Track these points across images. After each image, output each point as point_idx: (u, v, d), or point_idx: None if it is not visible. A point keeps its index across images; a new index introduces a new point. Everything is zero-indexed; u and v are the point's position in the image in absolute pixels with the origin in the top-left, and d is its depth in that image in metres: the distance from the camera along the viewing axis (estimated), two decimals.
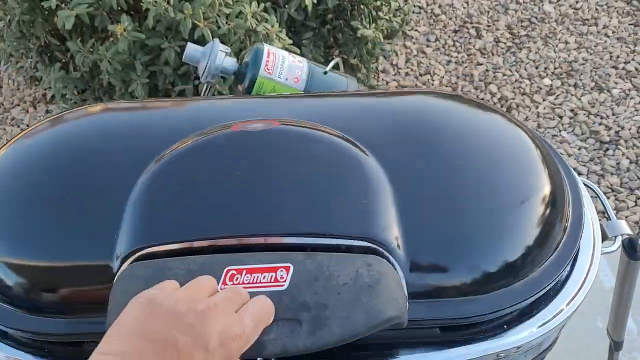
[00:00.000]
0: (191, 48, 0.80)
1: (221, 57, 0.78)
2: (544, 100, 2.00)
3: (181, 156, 0.57)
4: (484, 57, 2.15)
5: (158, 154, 0.58)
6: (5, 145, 0.66)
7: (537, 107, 1.98)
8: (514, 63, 2.12)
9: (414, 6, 2.29)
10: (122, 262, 0.52)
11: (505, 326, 0.54)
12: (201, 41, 1.53)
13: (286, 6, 1.74)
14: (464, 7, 2.33)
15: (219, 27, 1.53)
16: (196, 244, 0.52)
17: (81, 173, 0.59)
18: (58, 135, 0.66)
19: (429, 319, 0.52)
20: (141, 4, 1.54)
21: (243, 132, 0.59)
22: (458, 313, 0.52)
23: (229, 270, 0.50)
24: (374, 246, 0.52)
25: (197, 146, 0.58)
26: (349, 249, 0.52)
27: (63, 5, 1.59)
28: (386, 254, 0.51)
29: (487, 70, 2.10)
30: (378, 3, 1.80)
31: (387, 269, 0.50)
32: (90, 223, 0.55)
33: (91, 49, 1.71)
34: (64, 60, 1.93)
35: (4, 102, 2.03)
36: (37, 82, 2.06)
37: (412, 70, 2.12)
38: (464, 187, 0.57)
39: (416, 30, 2.25)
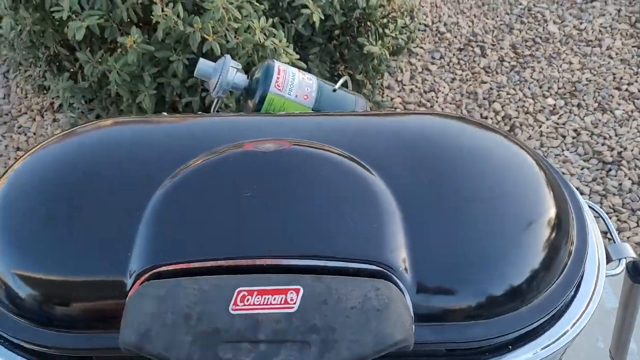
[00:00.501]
0: (203, 63, 0.81)
1: (232, 73, 0.79)
2: (547, 119, 2.02)
3: (193, 176, 0.58)
4: (488, 76, 2.17)
5: (171, 172, 0.59)
6: (19, 159, 0.67)
7: (540, 127, 1.99)
8: (518, 82, 2.14)
9: (420, 24, 2.31)
10: (136, 279, 0.53)
11: (510, 346, 0.55)
12: (210, 55, 1.54)
13: (294, 22, 1.76)
14: (469, 26, 2.35)
15: (227, 41, 1.55)
16: (208, 264, 0.52)
17: (96, 189, 0.60)
18: (74, 151, 0.67)
19: (434, 342, 0.53)
20: (151, 16, 1.56)
21: (255, 153, 0.60)
22: (463, 337, 0.53)
23: (240, 292, 0.51)
24: (382, 269, 0.52)
25: (209, 166, 0.59)
26: (357, 272, 0.52)
27: (74, 16, 1.61)
28: (394, 277, 0.52)
29: (491, 88, 2.12)
30: (385, 20, 1.82)
31: (394, 293, 0.51)
32: (104, 239, 0.56)
33: (100, 60, 1.73)
34: (72, 70, 1.95)
35: (12, 110, 2.05)
36: (45, 91, 2.08)
37: (416, 87, 2.13)
38: (470, 211, 0.58)
39: (421, 47, 2.27)
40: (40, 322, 0.55)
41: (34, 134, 2.00)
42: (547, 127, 1.99)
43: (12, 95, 2.09)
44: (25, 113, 2.05)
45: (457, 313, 0.54)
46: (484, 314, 0.54)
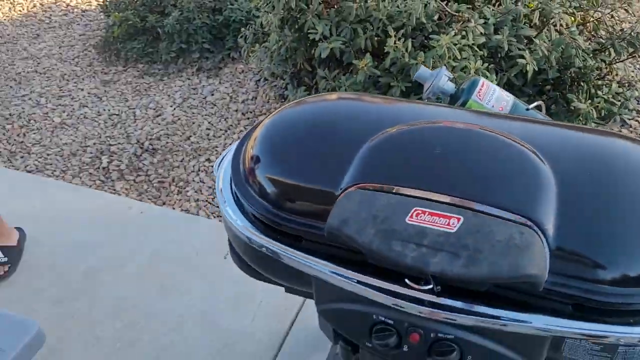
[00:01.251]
0: (423, 69, 1.02)
1: (444, 80, 0.99)
2: None
3: (397, 133, 0.79)
4: None
5: (384, 129, 0.80)
6: (275, 112, 0.94)
7: None
8: None
9: None
10: (343, 191, 0.74)
11: (631, 320, 0.64)
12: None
13: (508, 71, 1.91)
14: None
15: None
16: (397, 189, 0.72)
17: (326, 132, 0.84)
18: (312, 108, 0.92)
19: (562, 292, 0.65)
20: (385, 47, 1.85)
21: (450, 127, 0.79)
22: (588, 295, 0.64)
23: (416, 210, 0.69)
24: (530, 223, 0.66)
25: (414, 128, 0.79)
26: (510, 220, 0.67)
27: (323, 39, 1.97)
28: (539, 231, 0.66)
29: None
30: (599, 82, 1.87)
31: (536, 240, 0.64)
32: (329, 165, 0.78)
33: (334, 78, 2.07)
34: (309, 85, 2.34)
35: (255, 110, 2.51)
36: (283, 100, 2.52)
37: None
38: (620, 207, 0.68)
39: (637, 120, 2.22)
40: (277, 207, 0.79)
41: None
42: None
43: (258, 98, 2.57)
44: (265, 114, 2.50)
45: (586, 275, 0.65)
46: (610, 282, 0.64)
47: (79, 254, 1.83)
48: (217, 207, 2.12)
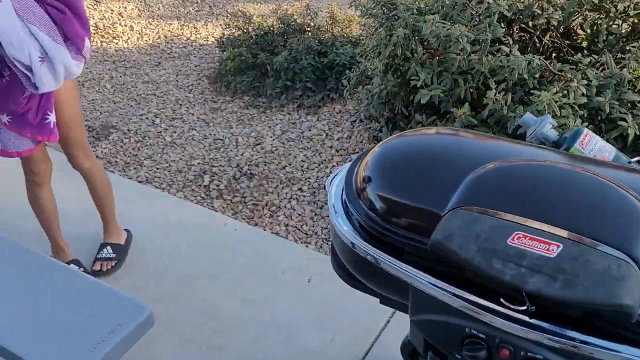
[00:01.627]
0: (528, 115, 1.09)
1: (548, 127, 1.05)
2: None
3: (508, 165, 0.85)
4: None
5: (489, 161, 0.87)
6: (379, 144, 1.03)
7: None
8: None
9: None
10: (448, 212, 0.81)
11: None
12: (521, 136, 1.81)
13: (607, 133, 1.91)
14: None
15: None
16: (500, 214, 0.78)
17: (433, 162, 0.92)
18: (424, 138, 1.01)
19: None
20: (484, 98, 1.92)
21: (555, 166, 0.84)
22: None
23: (517, 233, 0.75)
24: (629, 259, 0.70)
25: (521, 163, 0.85)
26: (609, 254, 0.71)
27: (424, 86, 2.07)
28: (636, 267, 0.70)
29: None
30: None
31: (633, 273, 0.68)
32: (438, 189, 0.86)
33: (430, 124, 2.16)
34: (403, 129, 2.44)
35: (349, 148, 2.64)
36: (376, 141, 2.63)
37: None
38: None
39: None
40: (385, 221, 0.87)
41: None
42: None
43: (352, 138, 2.69)
44: (358, 152, 2.61)
45: None
46: None
47: (176, 260, 1.99)
48: (305, 233, 2.23)
